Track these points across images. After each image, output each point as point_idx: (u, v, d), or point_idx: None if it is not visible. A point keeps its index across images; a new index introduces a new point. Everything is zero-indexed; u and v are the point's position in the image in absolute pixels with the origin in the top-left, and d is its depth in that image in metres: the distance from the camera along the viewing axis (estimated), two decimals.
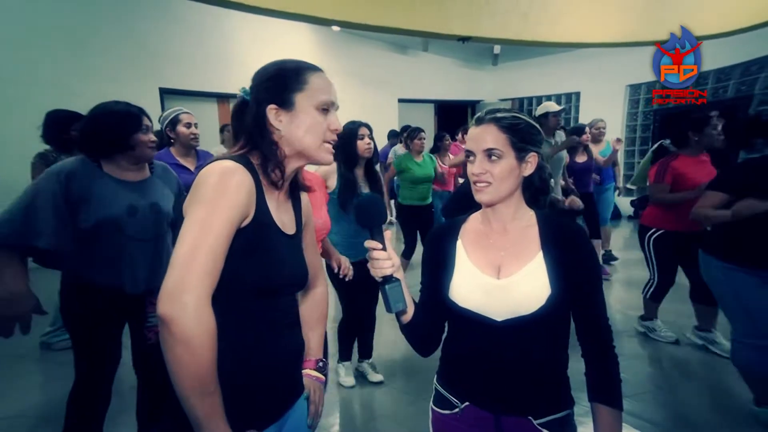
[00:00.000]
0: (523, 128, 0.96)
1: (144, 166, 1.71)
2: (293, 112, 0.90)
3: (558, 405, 0.98)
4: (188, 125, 2.44)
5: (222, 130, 5.25)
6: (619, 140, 4.69)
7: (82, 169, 1.55)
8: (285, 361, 0.96)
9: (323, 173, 2.25)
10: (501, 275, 0.97)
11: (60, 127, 2.71)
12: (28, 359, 2.93)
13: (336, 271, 2.11)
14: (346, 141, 2.24)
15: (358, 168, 2.34)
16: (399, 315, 1.00)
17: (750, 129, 2.33)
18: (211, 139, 5.26)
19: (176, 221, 0.85)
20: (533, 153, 0.98)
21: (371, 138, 2.32)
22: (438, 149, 4.85)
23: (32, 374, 2.80)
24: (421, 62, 8.87)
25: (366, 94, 8.04)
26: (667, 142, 3.21)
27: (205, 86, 6.51)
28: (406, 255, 4.12)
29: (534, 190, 1.03)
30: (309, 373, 1.10)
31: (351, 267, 2.14)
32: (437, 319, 1.05)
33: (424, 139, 4.18)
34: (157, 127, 2.68)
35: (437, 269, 1.04)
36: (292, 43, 6.94)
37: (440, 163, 4.75)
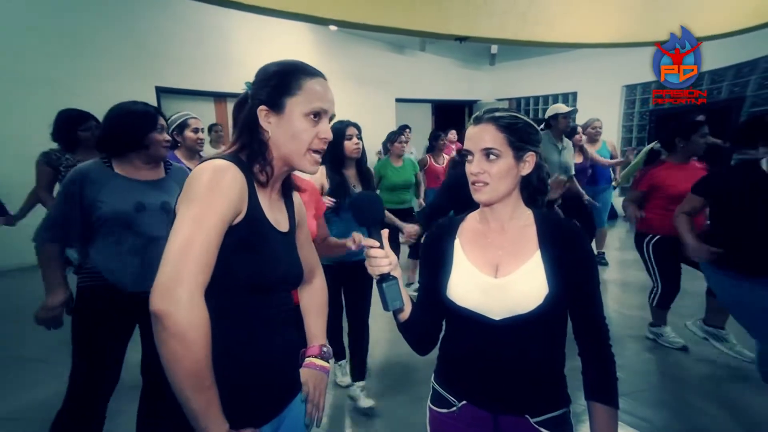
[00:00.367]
0: (521, 128, 0.97)
1: (159, 166, 1.73)
2: (282, 115, 0.89)
3: (555, 403, 0.99)
4: (195, 130, 2.48)
5: (209, 130, 5.24)
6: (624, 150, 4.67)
7: (95, 171, 1.61)
8: (279, 358, 0.96)
9: (318, 179, 2.16)
10: (499, 274, 0.97)
11: (68, 126, 2.72)
12: (29, 360, 2.91)
13: (354, 248, 1.86)
14: (334, 141, 2.14)
15: (348, 169, 2.27)
16: (396, 313, 1.00)
17: (751, 130, 2.26)
18: (207, 139, 5.25)
19: None
20: (531, 152, 0.98)
21: (360, 138, 2.25)
22: (432, 149, 4.84)
23: (33, 375, 2.78)
24: (418, 62, 8.87)
25: (363, 94, 8.04)
26: (658, 145, 3.19)
27: (203, 86, 6.50)
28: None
29: (532, 190, 1.03)
30: (312, 361, 1.10)
31: (361, 236, 1.91)
32: (435, 318, 1.06)
33: (405, 142, 4.04)
34: None
35: (435, 268, 1.04)
36: (289, 42, 6.93)
37: (433, 162, 4.74)
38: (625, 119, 7.89)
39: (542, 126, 3.56)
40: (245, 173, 0.86)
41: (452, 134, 6.10)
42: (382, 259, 0.91)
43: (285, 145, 0.90)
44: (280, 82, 0.90)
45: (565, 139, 3.68)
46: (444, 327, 1.08)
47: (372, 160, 5.30)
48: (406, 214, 3.93)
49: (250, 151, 0.90)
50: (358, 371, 2.43)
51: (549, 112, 3.58)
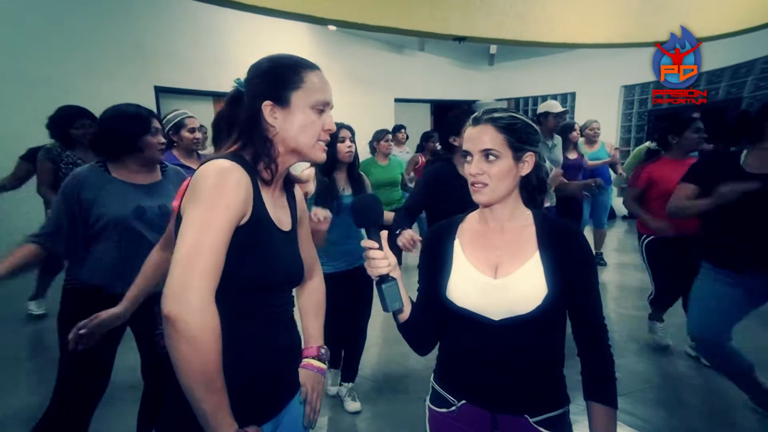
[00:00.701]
0: (520, 128, 0.97)
1: (155, 169, 1.72)
2: (289, 109, 0.89)
3: (554, 403, 0.99)
4: (192, 130, 2.45)
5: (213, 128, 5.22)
6: (617, 149, 4.68)
7: (91, 175, 1.59)
8: (280, 357, 0.96)
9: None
10: (498, 275, 0.97)
11: (61, 124, 2.72)
12: (22, 360, 2.90)
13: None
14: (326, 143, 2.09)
15: (339, 172, 2.21)
16: (396, 314, 1.00)
17: (739, 126, 2.24)
18: (211, 137, 5.25)
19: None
20: (530, 152, 0.98)
21: (353, 141, 2.19)
22: (423, 149, 4.82)
23: (27, 375, 2.78)
24: (417, 62, 8.86)
25: (362, 94, 8.03)
26: (653, 145, 3.17)
27: (201, 85, 6.48)
28: None
29: (531, 190, 1.03)
30: (310, 362, 1.10)
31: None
32: (434, 318, 1.06)
33: (390, 141, 4.01)
34: None
35: (434, 268, 1.04)
36: (288, 42, 6.93)
37: (424, 161, 4.71)
38: (623, 119, 7.91)
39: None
40: (249, 173, 0.86)
41: None
42: (381, 260, 0.90)
43: (295, 139, 0.91)
44: (282, 76, 0.89)
45: (556, 136, 3.71)
46: (443, 327, 1.08)
47: None
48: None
49: (254, 149, 0.89)
50: (349, 373, 2.42)
51: (541, 109, 3.59)
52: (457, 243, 1.04)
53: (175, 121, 2.45)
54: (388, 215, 2.24)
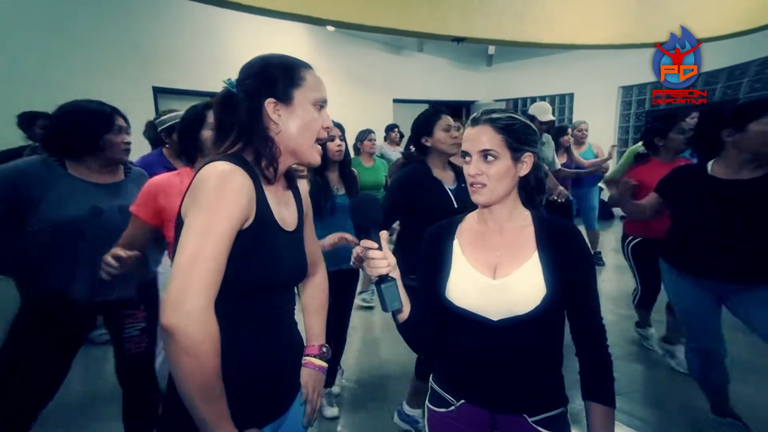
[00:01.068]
0: (519, 128, 0.97)
1: (117, 169, 1.61)
2: (291, 106, 0.89)
3: (552, 403, 0.99)
4: None
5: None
6: (613, 146, 4.69)
7: (39, 169, 1.45)
8: (282, 357, 0.96)
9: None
10: (497, 275, 0.98)
11: (24, 126, 2.68)
12: None
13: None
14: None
15: (331, 171, 2.18)
16: (395, 314, 1.00)
17: (717, 126, 2.08)
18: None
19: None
20: (529, 153, 0.98)
21: (342, 139, 2.16)
22: (388, 142, 4.82)
23: None
24: (416, 62, 8.87)
25: (360, 94, 8.04)
26: (642, 148, 3.15)
27: (200, 86, 6.47)
28: None
29: (530, 190, 1.04)
30: (311, 361, 1.10)
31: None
32: (434, 318, 1.06)
33: (374, 140, 3.93)
34: (140, 127, 2.65)
35: (434, 269, 1.04)
36: (287, 42, 6.92)
37: None
38: (621, 120, 7.92)
39: None
40: (251, 174, 0.84)
41: None
42: (380, 260, 0.91)
43: (296, 137, 0.91)
44: (282, 74, 0.89)
45: (545, 134, 3.71)
46: (443, 327, 1.08)
47: None
48: None
49: (256, 149, 0.88)
50: (327, 378, 2.37)
51: (531, 110, 3.57)
52: (456, 243, 1.04)
53: (169, 124, 2.41)
54: None
